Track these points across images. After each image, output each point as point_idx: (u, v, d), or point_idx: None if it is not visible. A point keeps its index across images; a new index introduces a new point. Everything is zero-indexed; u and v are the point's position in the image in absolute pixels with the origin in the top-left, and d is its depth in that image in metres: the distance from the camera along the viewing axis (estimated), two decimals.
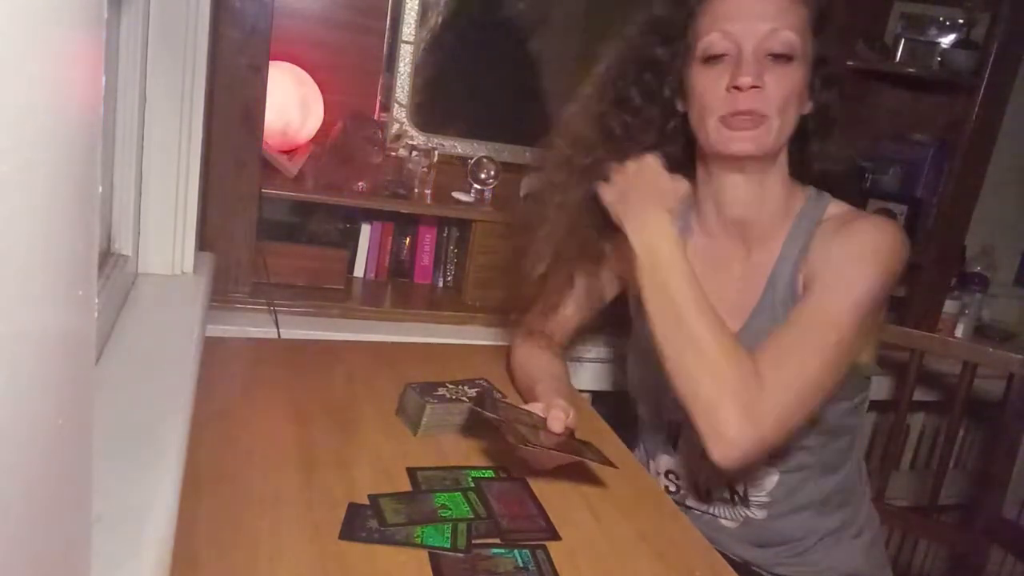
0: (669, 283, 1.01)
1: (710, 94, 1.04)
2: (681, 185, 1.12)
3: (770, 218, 1.10)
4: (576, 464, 1.03)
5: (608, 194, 1.11)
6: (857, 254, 1.01)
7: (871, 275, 1.00)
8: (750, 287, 1.10)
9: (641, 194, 1.08)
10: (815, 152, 1.10)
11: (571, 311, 1.29)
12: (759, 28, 1.00)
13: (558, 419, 0.99)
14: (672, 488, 1.20)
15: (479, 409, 0.99)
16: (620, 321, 1.39)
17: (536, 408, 1.02)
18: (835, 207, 1.09)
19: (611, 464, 1.00)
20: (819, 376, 0.97)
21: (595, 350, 1.60)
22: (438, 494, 0.93)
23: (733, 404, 0.93)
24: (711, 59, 1.04)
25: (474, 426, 1.09)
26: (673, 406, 1.16)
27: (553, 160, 1.21)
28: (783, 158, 1.09)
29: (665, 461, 1.20)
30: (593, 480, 1.03)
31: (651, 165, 1.10)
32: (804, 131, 1.08)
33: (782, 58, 1.00)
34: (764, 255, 1.10)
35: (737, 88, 1.00)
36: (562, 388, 1.16)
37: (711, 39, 1.03)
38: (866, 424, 2.00)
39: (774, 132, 1.02)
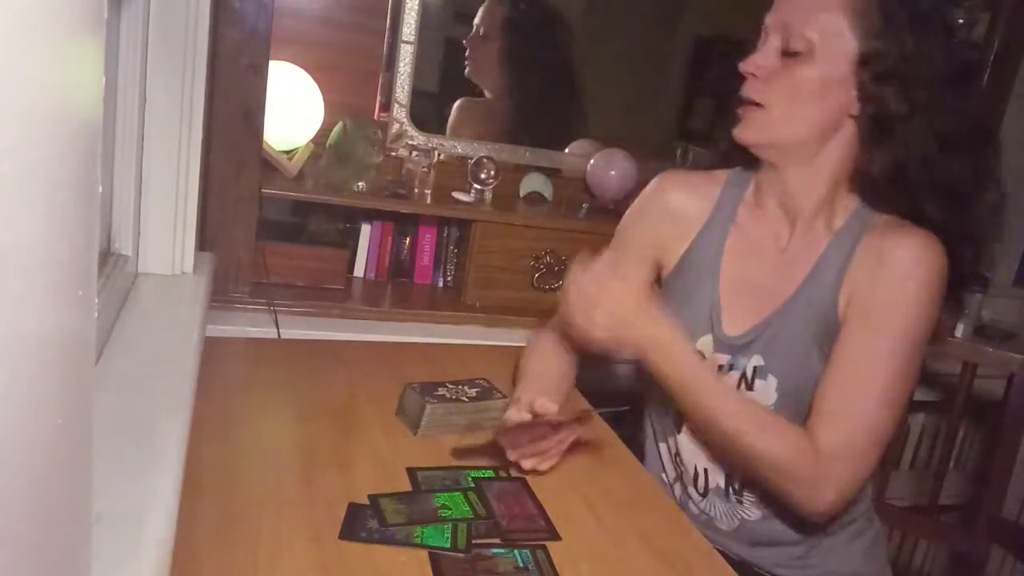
0: (708, 400, 1.02)
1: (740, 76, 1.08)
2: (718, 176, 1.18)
3: (812, 206, 1.09)
4: (576, 461, 1.03)
5: (591, 330, 1.04)
6: (904, 295, 1.01)
7: (917, 315, 1.01)
8: (788, 276, 1.10)
9: (613, 313, 1.03)
10: (863, 158, 1.05)
11: None
12: (780, 20, 1.02)
13: (547, 404, 1.00)
14: (677, 472, 1.20)
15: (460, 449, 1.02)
16: None
17: (512, 415, 1.02)
18: (884, 216, 1.08)
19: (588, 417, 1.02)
20: (884, 426, 1.01)
21: None
22: (438, 494, 0.93)
23: (803, 485, 1.00)
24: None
25: (474, 426, 1.09)
26: None
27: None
28: (827, 157, 1.06)
29: (672, 443, 1.20)
30: (593, 480, 1.03)
31: (615, 286, 1.04)
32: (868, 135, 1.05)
33: (791, 54, 1.01)
34: (808, 244, 1.10)
35: (741, 71, 1.04)
36: (546, 383, 1.14)
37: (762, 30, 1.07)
38: None
39: (774, 123, 1.03)
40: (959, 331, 2.06)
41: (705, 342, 1.15)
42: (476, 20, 1.82)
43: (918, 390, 1.65)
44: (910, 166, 1.03)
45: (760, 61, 1.03)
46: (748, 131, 1.06)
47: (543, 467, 1.01)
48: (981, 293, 2.11)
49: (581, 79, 1.96)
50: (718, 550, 0.98)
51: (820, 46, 1.00)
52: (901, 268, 1.02)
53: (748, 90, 1.04)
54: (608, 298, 1.02)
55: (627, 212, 1.28)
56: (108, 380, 0.84)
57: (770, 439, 1.00)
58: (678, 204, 1.20)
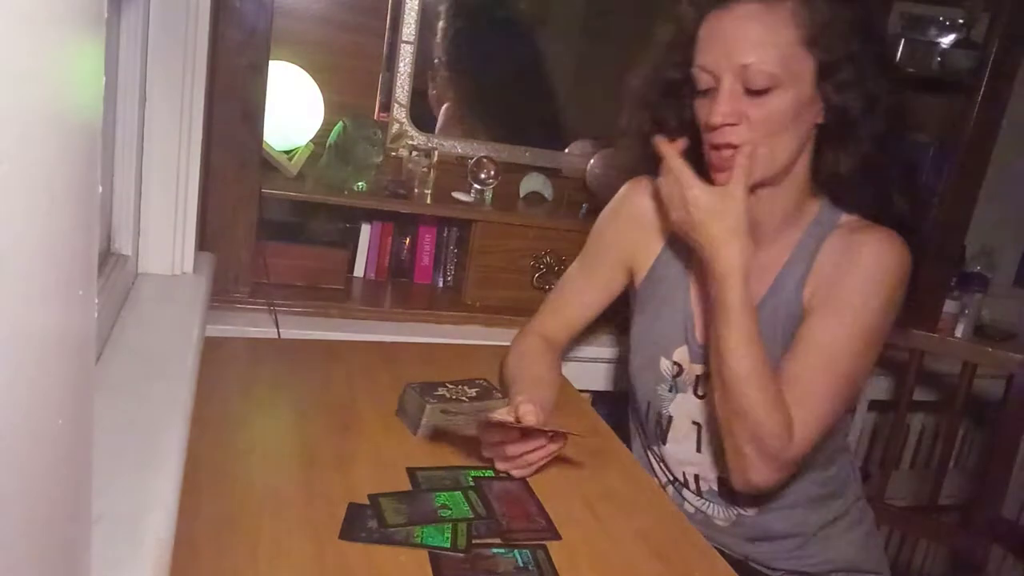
0: (730, 334, 1.01)
1: (702, 125, 1.05)
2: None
3: (777, 223, 1.10)
4: (576, 461, 1.03)
5: (682, 213, 1.05)
6: (867, 284, 1.03)
7: (879, 306, 1.03)
8: (756, 282, 1.10)
9: (726, 225, 1.02)
10: (828, 160, 1.06)
11: (580, 310, 1.29)
12: (734, 63, 0.99)
13: (529, 412, 0.99)
14: (668, 477, 1.20)
15: (436, 424, 1.02)
16: (619, 321, 1.39)
17: (501, 413, 1.01)
18: (848, 217, 1.09)
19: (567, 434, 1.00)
20: (836, 409, 1.04)
21: (595, 350, 1.60)
22: (438, 494, 0.93)
23: (762, 457, 1.01)
24: (700, 92, 1.05)
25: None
26: (666, 400, 1.17)
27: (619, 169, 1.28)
28: (797, 169, 1.07)
29: (657, 451, 1.21)
30: (593, 480, 1.03)
31: (739, 199, 1.02)
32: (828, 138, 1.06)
33: (760, 91, 0.99)
34: (771, 256, 1.11)
35: (712, 124, 1.02)
36: (542, 391, 1.14)
37: (696, 73, 1.04)
38: (866, 424, 2.00)
39: (761, 160, 1.02)
40: (959, 331, 2.06)
41: (681, 353, 1.15)
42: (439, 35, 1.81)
43: (918, 390, 1.66)
44: (875, 159, 1.04)
45: (729, 108, 1.00)
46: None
47: (516, 474, 1.00)
48: (981, 293, 2.11)
49: (556, 79, 1.94)
50: (716, 548, 0.98)
51: (784, 75, 0.99)
52: (868, 262, 1.03)
53: (728, 136, 1.01)
54: (695, 198, 1.02)
55: (599, 217, 1.28)
56: (108, 380, 0.84)
57: (766, 402, 0.99)
58: (647, 210, 1.20)
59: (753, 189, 1.07)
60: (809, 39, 0.99)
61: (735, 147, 1.01)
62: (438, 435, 1.07)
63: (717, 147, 1.03)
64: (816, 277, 1.07)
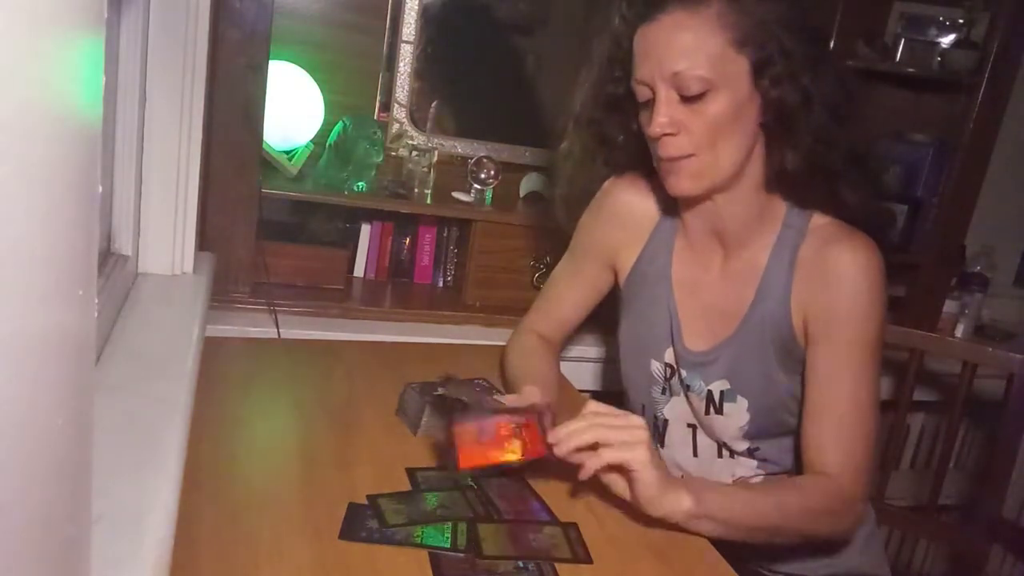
0: (737, 532, 0.97)
1: (647, 137, 1.05)
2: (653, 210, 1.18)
3: (741, 225, 1.09)
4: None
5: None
6: (858, 308, 1.03)
7: (875, 323, 1.04)
8: (738, 293, 1.10)
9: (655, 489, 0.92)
10: (775, 158, 1.05)
11: (571, 309, 1.29)
12: (665, 72, 0.99)
13: (526, 393, 0.98)
14: None
15: (443, 393, 1.01)
16: (603, 320, 1.38)
17: (509, 399, 1.01)
18: (818, 218, 1.08)
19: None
20: (873, 431, 1.05)
21: (595, 350, 1.60)
22: (438, 494, 0.93)
23: (837, 522, 1.04)
24: (642, 104, 1.05)
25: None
26: (660, 402, 1.17)
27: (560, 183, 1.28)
28: (751, 171, 1.06)
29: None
30: (593, 479, 1.03)
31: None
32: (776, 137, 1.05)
33: (695, 97, 0.99)
34: (747, 262, 1.10)
35: (653, 135, 1.02)
36: (548, 390, 1.13)
37: (635, 87, 1.04)
38: None
39: (708, 166, 1.02)
40: (959, 331, 2.06)
41: (671, 355, 1.15)
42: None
43: (918, 390, 1.65)
44: (819, 151, 1.03)
45: (667, 118, 1.00)
46: (686, 182, 1.04)
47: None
48: (981, 293, 2.11)
49: (557, 79, 1.93)
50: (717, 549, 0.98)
51: (717, 78, 0.98)
52: (850, 281, 1.03)
53: (670, 148, 1.02)
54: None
55: (583, 215, 1.27)
56: (108, 380, 0.84)
57: (804, 518, 1.00)
58: (629, 207, 1.20)
59: (708, 196, 1.08)
60: (738, 40, 0.99)
61: (676, 158, 1.02)
62: (439, 434, 1.07)
63: (662, 159, 1.04)
64: (801, 299, 1.06)
